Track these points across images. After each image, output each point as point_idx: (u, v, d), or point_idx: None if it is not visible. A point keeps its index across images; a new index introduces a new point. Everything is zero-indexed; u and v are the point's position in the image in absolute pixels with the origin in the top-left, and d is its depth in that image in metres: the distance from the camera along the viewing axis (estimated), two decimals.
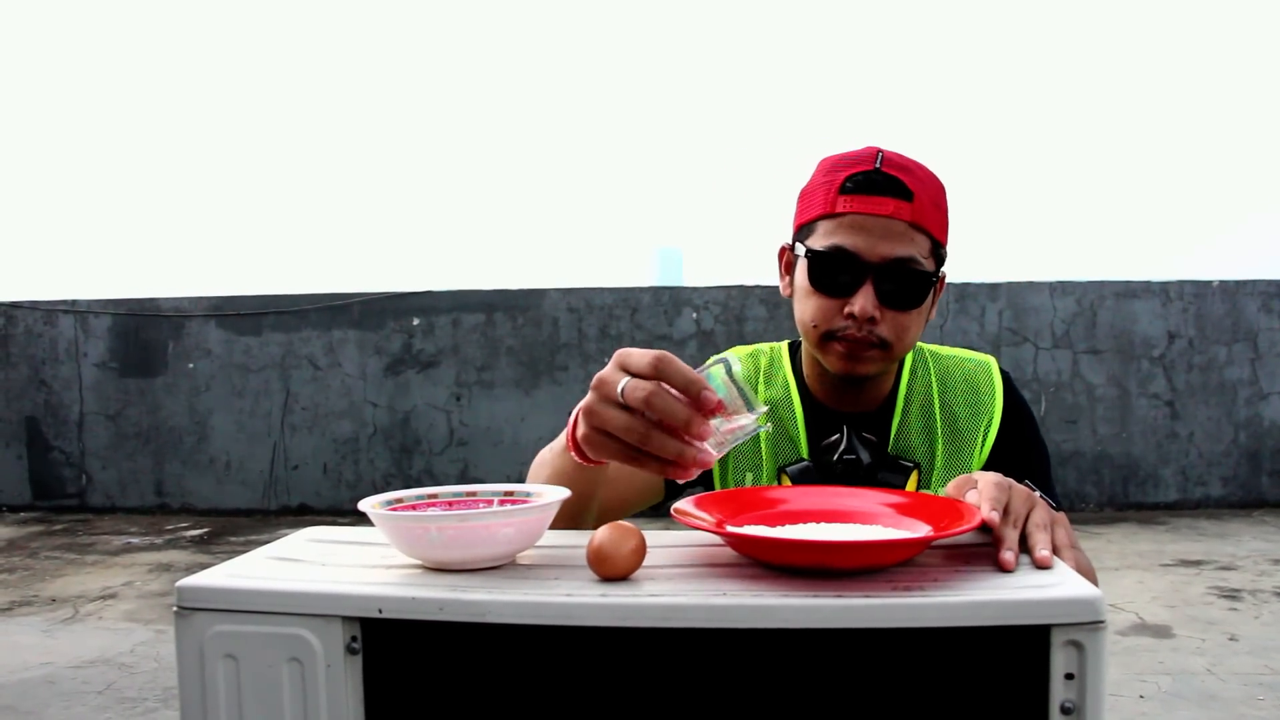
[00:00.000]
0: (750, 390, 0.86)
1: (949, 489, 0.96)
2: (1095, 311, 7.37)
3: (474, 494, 0.96)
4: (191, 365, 7.83)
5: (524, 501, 0.93)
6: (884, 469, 1.27)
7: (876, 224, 1.19)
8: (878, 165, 1.21)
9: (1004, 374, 1.37)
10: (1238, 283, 7.38)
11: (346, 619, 0.79)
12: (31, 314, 7.96)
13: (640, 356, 0.84)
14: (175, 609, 0.82)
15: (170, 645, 0.80)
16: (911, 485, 1.27)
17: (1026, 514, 0.88)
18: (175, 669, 0.82)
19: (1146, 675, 3.90)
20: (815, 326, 1.24)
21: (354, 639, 0.79)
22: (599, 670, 0.77)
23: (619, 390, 0.84)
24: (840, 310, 1.21)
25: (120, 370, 7.89)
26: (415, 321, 7.68)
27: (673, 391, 0.82)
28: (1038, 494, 0.93)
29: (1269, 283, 7.37)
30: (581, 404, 0.89)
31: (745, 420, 0.84)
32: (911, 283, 1.21)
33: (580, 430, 0.90)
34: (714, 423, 0.83)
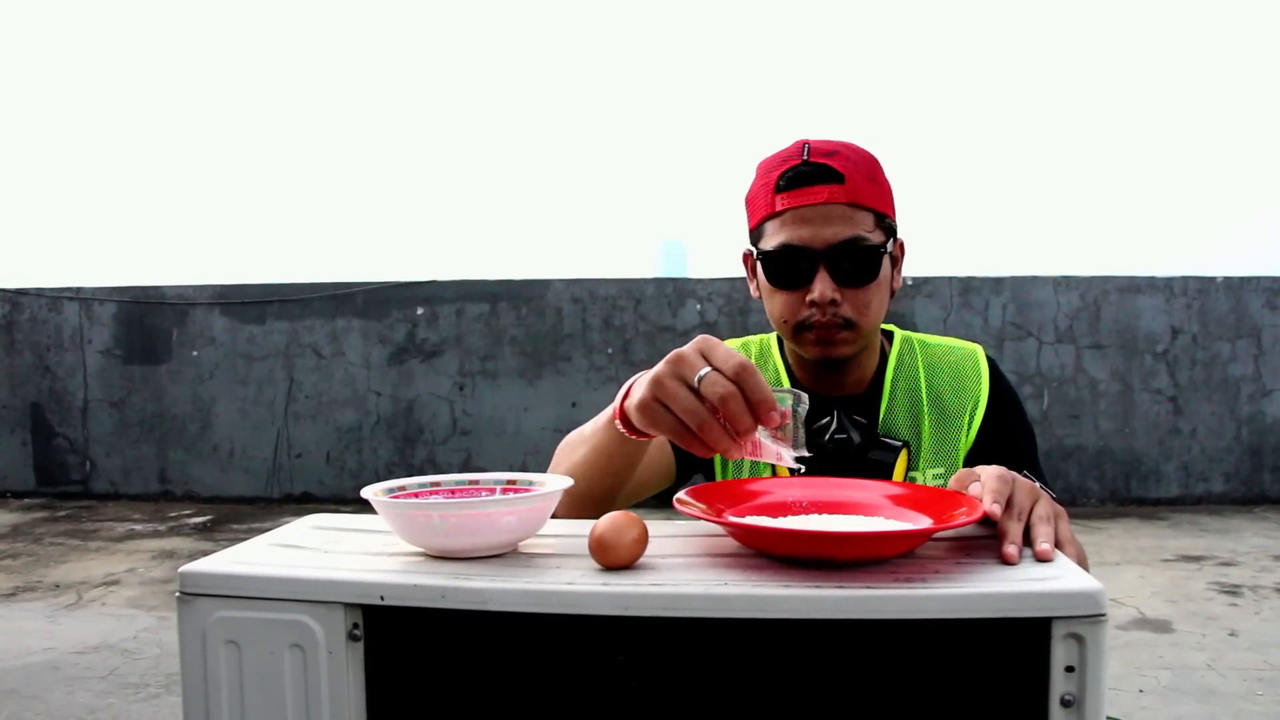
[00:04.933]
0: (804, 435, 0.89)
1: (952, 482, 0.96)
2: (1099, 306, 7.36)
3: (476, 482, 0.96)
4: (195, 353, 7.84)
5: (526, 490, 0.93)
6: (874, 448, 1.30)
7: (815, 213, 1.24)
8: (805, 157, 1.26)
9: (990, 360, 1.41)
10: (1242, 279, 7.36)
11: (348, 606, 0.80)
12: (36, 301, 7.97)
13: (727, 355, 0.86)
14: (178, 595, 0.82)
15: (173, 631, 0.80)
16: (901, 463, 1.30)
17: (1030, 507, 0.88)
18: (178, 655, 0.83)
19: (1146, 670, 3.90)
20: (785, 321, 1.30)
21: (356, 626, 0.80)
22: (600, 659, 0.78)
23: (697, 377, 0.86)
24: (803, 300, 1.27)
25: (124, 358, 7.89)
26: (419, 311, 7.68)
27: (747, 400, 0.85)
28: (1039, 486, 0.93)
29: (1274, 279, 7.35)
30: (650, 374, 0.90)
31: (786, 451, 0.88)
32: (862, 258, 1.25)
33: (640, 395, 0.91)
34: (760, 432, 0.87)
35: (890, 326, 1.44)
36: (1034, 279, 7.42)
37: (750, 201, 1.34)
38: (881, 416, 1.35)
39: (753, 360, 1.43)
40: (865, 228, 1.25)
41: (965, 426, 1.35)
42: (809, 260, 1.24)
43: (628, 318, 7.53)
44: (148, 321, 7.87)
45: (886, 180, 1.30)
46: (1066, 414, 7.37)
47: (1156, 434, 7.38)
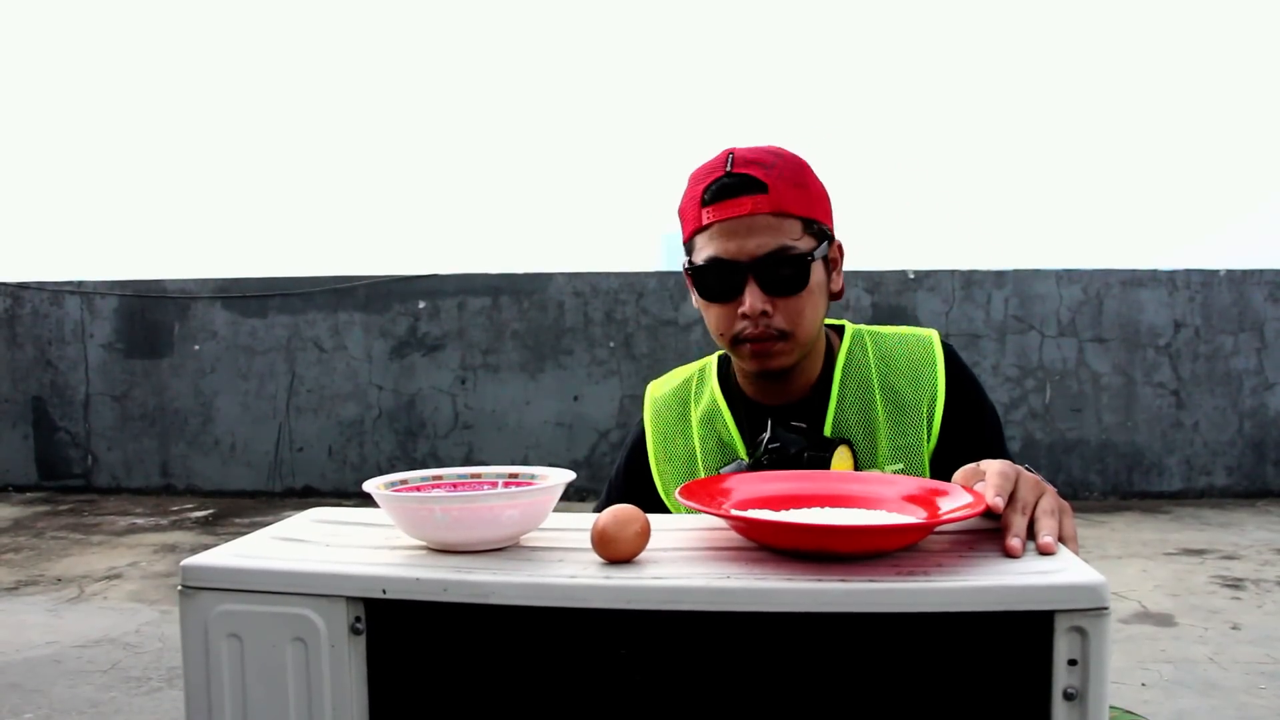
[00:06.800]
0: None
1: (958, 477, 0.96)
2: (1101, 300, 7.35)
3: (478, 476, 0.96)
4: (197, 347, 7.84)
5: (528, 484, 0.93)
6: (810, 450, 1.27)
7: (740, 225, 1.23)
8: (728, 169, 1.25)
9: (946, 346, 1.38)
10: (1245, 272, 7.35)
11: (351, 599, 0.80)
12: (38, 295, 7.97)
13: None
14: (180, 588, 0.82)
15: (175, 626, 0.80)
16: (845, 460, 1.27)
17: (1035, 501, 0.88)
18: (180, 648, 0.83)
19: (1149, 663, 3.91)
20: (721, 335, 1.30)
21: (358, 619, 0.80)
22: (603, 652, 0.77)
23: None
24: (736, 313, 1.26)
25: (126, 351, 7.90)
26: (421, 304, 7.68)
27: None
28: (1045, 482, 0.93)
29: (1276, 272, 7.34)
30: None
31: None
32: (789, 268, 1.24)
33: None
34: None
35: (842, 322, 1.43)
36: (1036, 272, 7.41)
37: (681, 214, 1.33)
38: (831, 417, 1.33)
39: (692, 392, 1.43)
40: (792, 236, 1.24)
41: (925, 418, 1.32)
42: (737, 273, 1.24)
43: (630, 311, 7.53)
44: (149, 315, 7.87)
45: (818, 183, 1.29)
46: (1069, 407, 7.36)
47: (1159, 427, 7.37)
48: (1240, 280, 7.33)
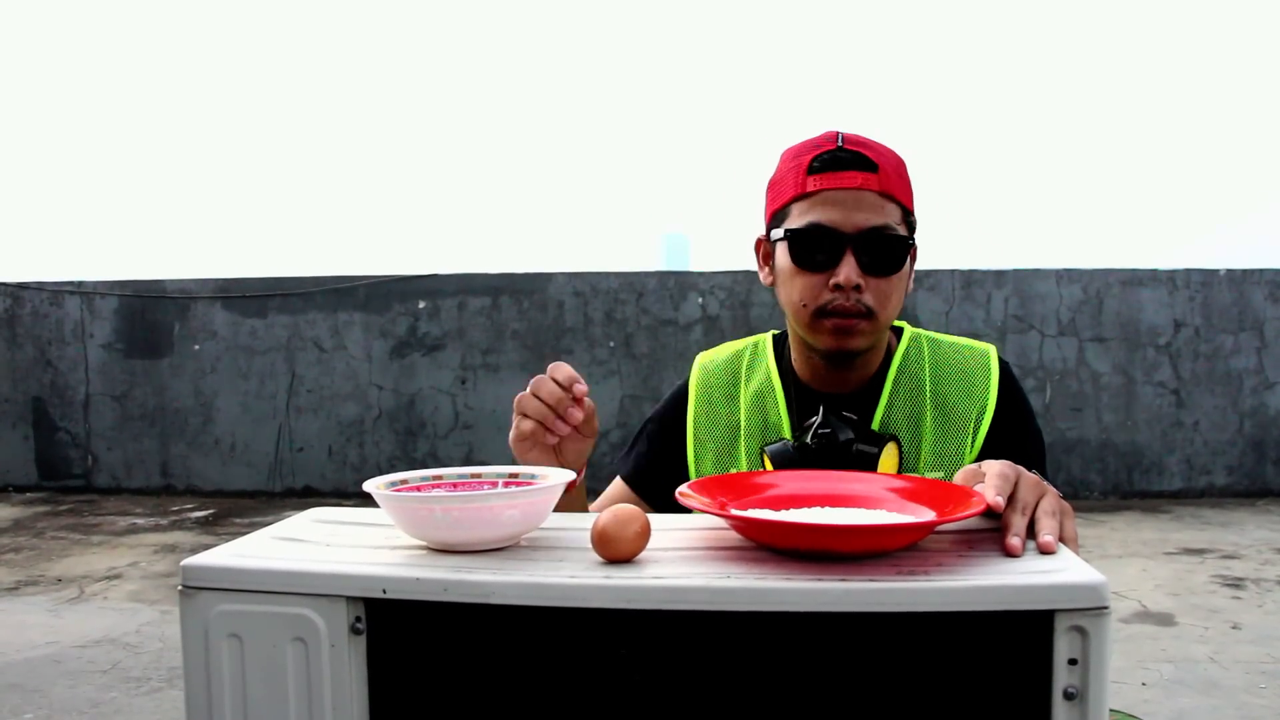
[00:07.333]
0: None
1: (958, 476, 0.96)
2: (1101, 299, 7.35)
3: (479, 475, 0.96)
4: (197, 347, 7.84)
5: (528, 483, 0.93)
6: (860, 442, 1.26)
7: (848, 197, 1.23)
8: (840, 144, 1.25)
9: (1003, 363, 1.37)
10: (1245, 271, 7.35)
11: (351, 599, 0.79)
12: (38, 295, 7.97)
13: (556, 365, 1.21)
14: (180, 588, 0.82)
15: (175, 626, 0.80)
16: (892, 458, 1.26)
17: (1035, 501, 0.88)
18: (180, 648, 0.82)
19: (1149, 663, 3.91)
20: (805, 305, 1.27)
21: (358, 619, 0.80)
22: (603, 652, 0.77)
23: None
24: (826, 284, 1.24)
25: (126, 351, 7.90)
26: (421, 304, 7.68)
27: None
28: (1046, 482, 0.92)
29: (1276, 271, 7.34)
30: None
31: None
32: (889, 248, 1.24)
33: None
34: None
35: (901, 323, 1.41)
36: (1036, 271, 7.42)
37: (774, 185, 1.32)
38: (879, 415, 1.32)
39: (744, 367, 1.42)
40: (893, 219, 1.24)
41: (971, 432, 1.31)
42: (837, 243, 1.23)
43: (630, 311, 7.53)
44: (149, 315, 7.87)
45: (910, 182, 1.30)
46: (1069, 407, 7.37)
47: (1159, 427, 7.38)
48: (1240, 280, 7.33)
